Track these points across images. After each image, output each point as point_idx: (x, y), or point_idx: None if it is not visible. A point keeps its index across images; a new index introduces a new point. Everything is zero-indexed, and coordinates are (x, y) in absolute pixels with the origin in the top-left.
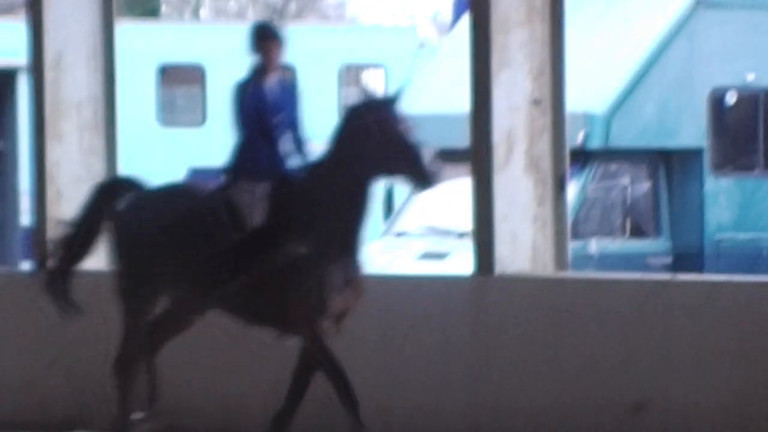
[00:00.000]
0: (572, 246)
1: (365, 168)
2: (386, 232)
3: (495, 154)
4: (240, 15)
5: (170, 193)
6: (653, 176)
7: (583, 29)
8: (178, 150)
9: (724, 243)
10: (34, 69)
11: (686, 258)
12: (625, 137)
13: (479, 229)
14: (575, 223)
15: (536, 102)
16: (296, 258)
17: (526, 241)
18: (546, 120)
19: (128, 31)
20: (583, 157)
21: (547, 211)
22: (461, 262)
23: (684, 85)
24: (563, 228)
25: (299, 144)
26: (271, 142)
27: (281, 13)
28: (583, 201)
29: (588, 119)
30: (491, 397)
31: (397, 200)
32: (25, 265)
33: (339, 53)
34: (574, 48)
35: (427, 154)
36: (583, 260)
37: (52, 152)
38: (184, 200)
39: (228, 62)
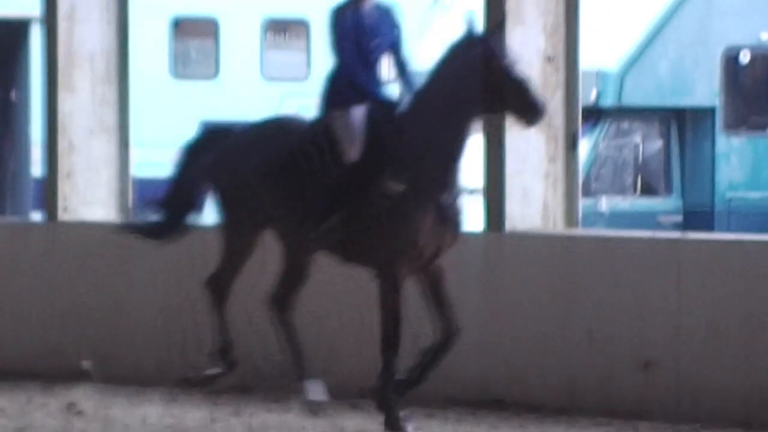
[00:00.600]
0: (583, 203)
1: (468, 104)
2: None
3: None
4: None
5: (265, 130)
6: (665, 135)
7: None
8: (190, 103)
9: (735, 202)
10: (48, 20)
11: (697, 216)
12: (637, 95)
13: (490, 186)
14: (586, 181)
15: (549, 59)
16: (393, 194)
17: (537, 198)
18: (559, 77)
19: None
20: (595, 114)
21: (559, 169)
22: (472, 219)
23: (698, 43)
24: (574, 185)
25: (402, 67)
26: (369, 66)
27: None
28: (595, 158)
29: (601, 77)
30: (502, 353)
31: None
32: (36, 216)
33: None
34: (588, 5)
35: (533, 88)
36: (594, 218)
37: (64, 104)
38: (281, 136)
39: (241, 16)
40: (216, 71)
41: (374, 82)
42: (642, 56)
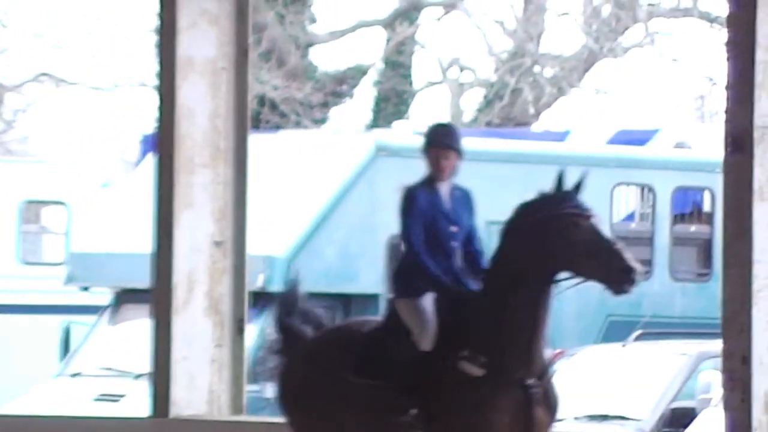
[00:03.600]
0: (249, 389)
1: (551, 268)
2: (61, 373)
3: (175, 295)
4: None
5: (333, 338)
6: (331, 320)
7: (267, 174)
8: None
9: None
10: None
11: None
12: (306, 280)
13: (156, 370)
14: (253, 366)
15: (218, 243)
16: (469, 378)
17: (203, 383)
18: (227, 262)
19: None
20: (263, 299)
21: (225, 354)
22: (137, 404)
23: (364, 230)
24: (241, 371)
25: (475, 261)
26: (446, 256)
27: None
28: (262, 344)
29: (269, 262)
30: None
31: (74, 339)
32: None
33: (20, 188)
34: (258, 192)
35: (624, 250)
36: (261, 403)
37: None
38: (352, 333)
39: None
40: None
41: (449, 273)
42: (309, 242)
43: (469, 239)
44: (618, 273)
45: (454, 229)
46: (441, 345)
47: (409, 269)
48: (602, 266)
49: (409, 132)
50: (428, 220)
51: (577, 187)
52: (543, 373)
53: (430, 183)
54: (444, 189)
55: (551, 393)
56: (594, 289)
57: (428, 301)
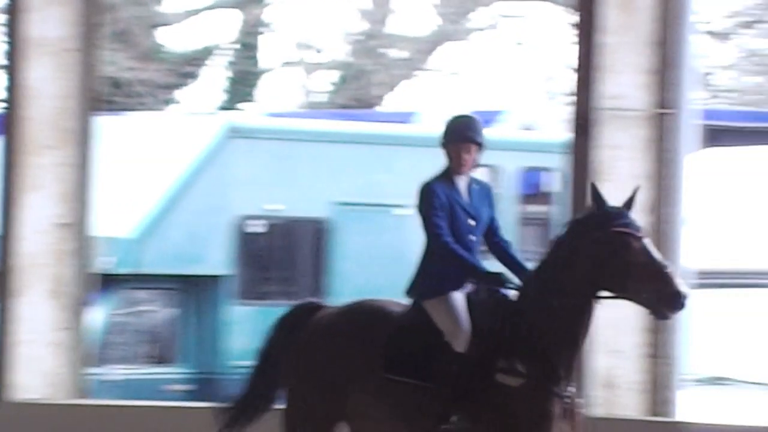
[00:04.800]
0: (95, 372)
1: (598, 286)
2: None
3: (19, 277)
4: None
5: (355, 314)
6: (179, 302)
7: (117, 156)
8: None
9: (244, 370)
10: None
11: (208, 384)
12: (153, 263)
13: None
14: (99, 349)
15: (64, 225)
16: (511, 387)
17: (47, 366)
18: (72, 244)
19: None
20: (109, 281)
21: (69, 337)
22: None
23: (211, 212)
24: (85, 354)
25: (503, 250)
26: (467, 250)
27: None
28: (108, 326)
29: (116, 244)
30: None
31: None
32: None
33: None
34: (106, 174)
35: (675, 274)
36: (105, 387)
37: None
38: (375, 320)
39: None
40: None
41: (473, 266)
42: (158, 224)
43: (493, 231)
44: (669, 299)
45: (472, 222)
46: (478, 348)
47: (435, 266)
48: (654, 291)
49: (260, 114)
50: (447, 214)
51: (629, 203)
52: (577, 386)
53: (448, 176)
54: (462, 182)
55: (581, 406)
56: None
57: (460, 301)
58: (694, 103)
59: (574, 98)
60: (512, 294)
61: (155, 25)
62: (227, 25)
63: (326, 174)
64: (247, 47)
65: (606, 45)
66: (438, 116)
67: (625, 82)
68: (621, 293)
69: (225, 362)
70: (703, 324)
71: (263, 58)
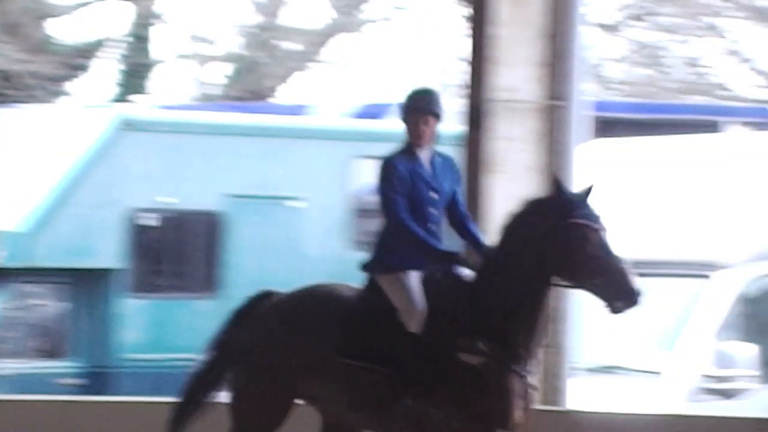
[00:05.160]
0: None
1: (554, 274)
2: None
3: None
4: None
5: (308, 299)
6: (71, 296)
7: (7, 149)
8: None
9: (137, 363)
10: None
11: (99, 378)
12: (45, 256)
13: None
14: None
15: None
16: (473, 366)
17: None
18: None
19: None
20: (1, 275)
21: None
22: None
23: (105, 205)
24: None
25: (463, 225)
26: (427, 222)
27: None
28: (0, 321)
29: (6, 237)
30: None
31: None
32: None
33: None
34: None
35: (629, 270)
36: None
37: None
38: (329, 305)
39: None
40: None
41: (433, 237)
42: (49, 217)
43: (455, 204)
44: (622, 294)
45: (434, 195)
46: (432, 329)
47: (391, 242)
48: (608, 286)
49: (152, 106)
50: (408, 188)
51: (588, 192)
52: (533, 372)
53: (409, 150)
54: (424, 155)
55: (534, 388)
56: (332, 256)
57: (415, 280)
58: (586, 95)
59: (467, 90)
60: (468, 273)
61: (45, 17)
62: (119, 17)
63: (219, 167)
64: (139, 39)
65: (498, 37)
66: (332, 109)
67: (517, 75)
68: (575, 284)
69: (117, 356)
70: (592, 313)
71: (156, 50)
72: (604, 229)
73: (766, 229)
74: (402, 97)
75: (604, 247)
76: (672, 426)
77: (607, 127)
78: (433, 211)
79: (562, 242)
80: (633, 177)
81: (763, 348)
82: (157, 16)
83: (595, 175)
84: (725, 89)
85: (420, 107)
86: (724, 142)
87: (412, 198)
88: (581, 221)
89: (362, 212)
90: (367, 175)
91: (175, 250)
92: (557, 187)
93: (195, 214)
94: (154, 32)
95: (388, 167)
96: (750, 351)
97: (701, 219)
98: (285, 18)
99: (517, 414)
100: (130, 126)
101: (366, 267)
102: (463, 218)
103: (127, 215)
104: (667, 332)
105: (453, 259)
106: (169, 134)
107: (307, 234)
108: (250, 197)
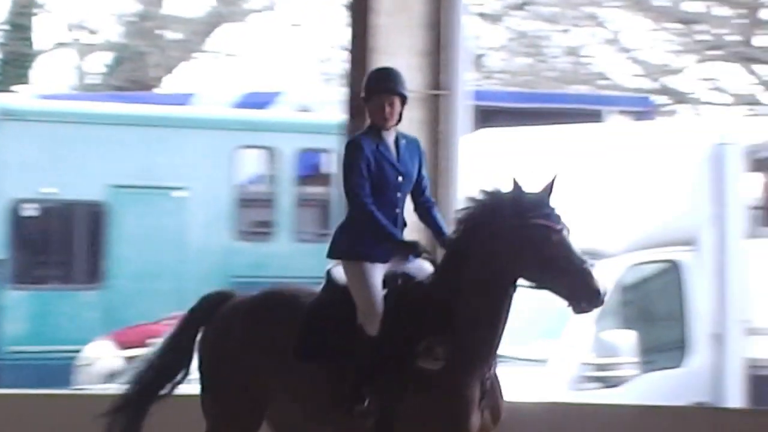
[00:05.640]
0: None
1: (516, 274)
2: None
3: None
4: None
5: (269, 301)
6: None
7: None
8: None
9: (19, 356)
10: None
11: None
12: None
13: None
14: None
15: None
16: (430, 371)
17: None
18: None
19: None
20: None
21: None
22: None
23: None
24: None
25: (427, 209)
26: (391, 206)
27: None
28: None
29: None
30: None
31: None
32: None
33: None
34: None
35: (592, 270)
36: None
37: None
38: (288, 305)
39: None
40: None
41: (395, 224)
42: None
43: (420, 189)
44: (585, 294)
45: (400, 179)
46: (390, 332)
47: (355, 228)
48: (571, 286)
49: (33, 96)
50: (374, 170)
51: (548, 190)
52: (495, 375)
53: (375, 132)
54: (390, 137)
55: (499, 389)
56: (218, 247)
57: (378, 278)
58: (468, 84)
59: (349, 80)
60: (428, 268)
61: None
62: None
63: (102, 156)
64: (19, 28)
65: (379, 26)
66: (216, 98)
67: (398, 64)
68: (538, 284)
69: None
70: None
71: (36, 39)
72: (566, 229)
73: (645, 218)
74: (367, 78)
75: (565, 248)
76: (555, 414)
77: (489, 116)
78: (398, 194)
79: (522, 243)
80: (516, 167)
81: (642, 335)
82: (37, 5)
83: (479, 165)
84: (605, 78)
85: (385, 88)
86: (605, 131)
87: (377, 181)
88: (542, 221)
89: (247, 202)
90: (251, 165)
91: (58, 241)
92: (516, 185)
93: (77, 204)
94: (34, 21)
95: (353, 149)
96: (630, 339)
97: (583, 208)
98: (167, 7)
99: (475, 419)
100: (10, 115)
101: (331, 252)
102: (428, 204)
103: (7, 206)
104: (551, 321)
105: (412, 248)
106: (51, 124)
107: (192, 224)
108: (134, 187)
